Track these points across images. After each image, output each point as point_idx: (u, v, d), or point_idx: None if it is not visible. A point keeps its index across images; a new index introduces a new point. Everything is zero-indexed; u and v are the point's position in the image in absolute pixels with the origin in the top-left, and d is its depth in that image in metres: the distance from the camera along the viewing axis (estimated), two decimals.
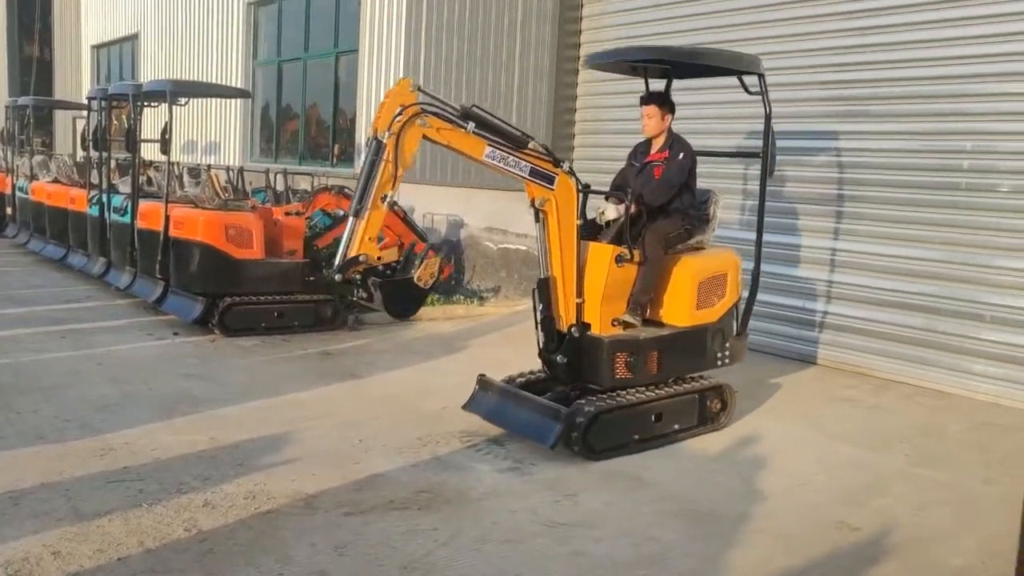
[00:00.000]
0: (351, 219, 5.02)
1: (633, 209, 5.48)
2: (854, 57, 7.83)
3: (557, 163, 5.20)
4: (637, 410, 5.33)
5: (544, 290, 5.27)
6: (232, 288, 8.14)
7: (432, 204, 10.54)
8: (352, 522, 4.13)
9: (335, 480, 4.62)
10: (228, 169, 11.25)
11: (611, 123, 10.26)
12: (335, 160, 13.31)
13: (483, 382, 5.69)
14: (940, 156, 7.32)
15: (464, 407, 5.65)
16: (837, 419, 6.35)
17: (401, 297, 5.10)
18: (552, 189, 5.15)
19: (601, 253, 5.41)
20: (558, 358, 5.32)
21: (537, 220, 5.27)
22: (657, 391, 5.48)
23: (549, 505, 4.46)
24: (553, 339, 5.32)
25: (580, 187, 5.37)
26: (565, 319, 5.30)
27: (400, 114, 4.85)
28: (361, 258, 4.96)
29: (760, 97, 5.88)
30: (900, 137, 7.56)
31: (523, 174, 5.10)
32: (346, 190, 10.30)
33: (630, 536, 4.15)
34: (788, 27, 8.29)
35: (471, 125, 4.95)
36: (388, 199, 4.95)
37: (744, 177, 8.72)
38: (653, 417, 5.43)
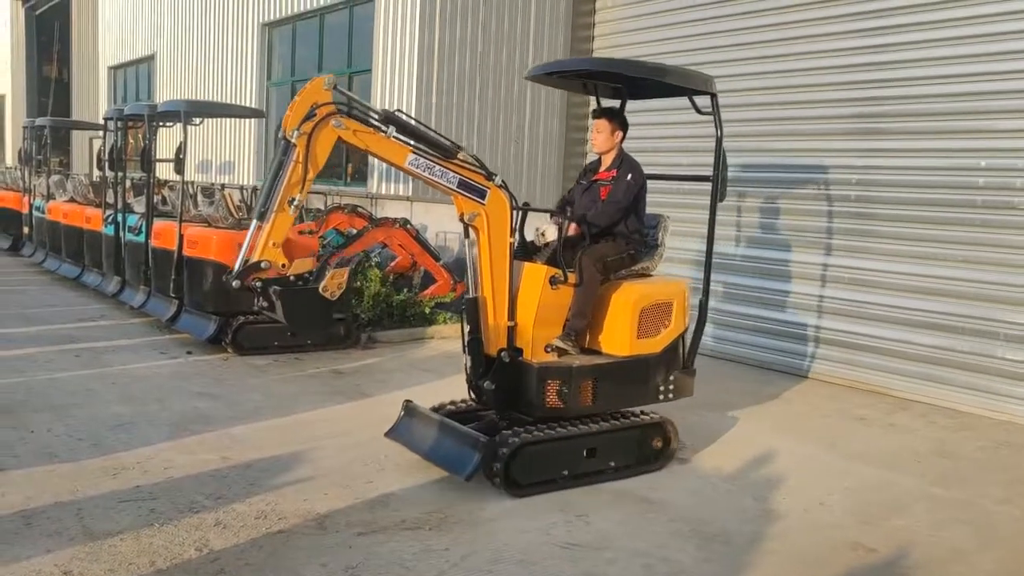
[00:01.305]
0: (254, 223, 4.81)
1: (574, 230, 5.24)
2: (867, 75, 7.83)
3: (489, 176, 4.93)
4: (567, 444, 4.97)
5: (472, 311, 5.01)
6: (245, 307, 8.14)
7: (445, 223, 10.55)
8: (364, 542, 4.11)
9: (347, 500, 4.61)
10: (242, 188, 11.32)
11: (641, 140, 10.25)
12: (348, 179, 13.37)
13: (409, 408, 5.41)
14: (955, 173, 7.30)
15: (386, 434, 5.39)
16: (852, 438, 6.30)
17: (304, 309, 4.76)
18: (483, 204, 4.89)
19: (535, 274, 5.11)
20: (485, 384, 5.01)
21: (467, 236, 5.04)
22: (592, 424, 5.12)
23: (561, 526, 4.43)
24: (481, 363, 5.05)
25: (515, 203, 5.05)
26: (495, 342, 5.00)
27: (312, 114, 4.65)
28: (264, 264, 4.73)
29: (712, 118, 5.50)
30: (915, 155, 7.54)
31: (451, 186, 4.84)
32: (359, 209, 10.37)
33: (643, 557, 4.11)
34: (803, 45, 8.30)
35: (391, 129, 4.68)
36: (296, 203, 4.73)
37: (738, 208, 8.72)
38: (585, 452, 5.05)
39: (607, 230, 5.37)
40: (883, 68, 7.72)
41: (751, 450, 5.83)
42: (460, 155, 4.88)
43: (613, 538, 4.32)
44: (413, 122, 4.96)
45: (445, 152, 4.85)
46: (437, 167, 4.81)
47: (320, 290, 5.07)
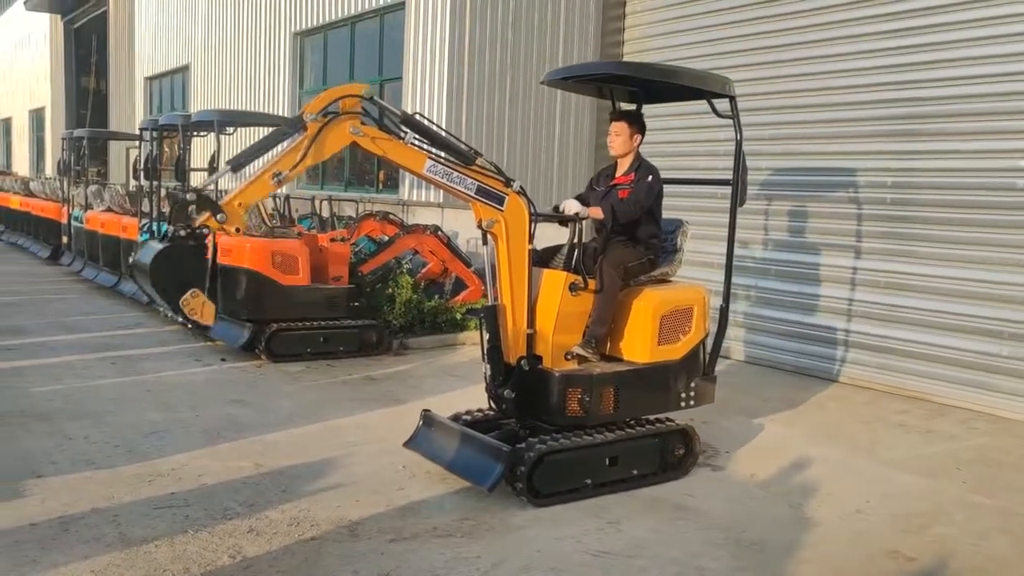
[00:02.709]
0: (224, 169, 4.73)
1: (597, 213, 5.21)
2: (902, 76, 7.70)
3: (508, 182, 4.86)
4: (589, 452, 4.89)
5: (492, 319, 4.96)
6: (278, 314, 8.22)
7: (475, 229, 10.52)
8: (396, 549, 4.11)
9: (379, 506, 4.62)
10: (275, 197, 11.42)
11: (660, 145, 10.21)
12: (380, 186, 13.45)
13: (427, 418, 5.34)
14: (994, 174, 7.15)
15: (405, 444, 5.33)
16: (890, 444, 6.19)
17: (172, 276, 4.58)
18: (502, 210, 4.83)
19: (554, 281, 5.05)
20: (505, 392, 4.97)
21: (484, 243, 4.96)
22: (613, 432, 5.06)
23: (593, 533, 4.40)
24: (501, 372, 5.00)
25: (534, 210, 4.96)
26: (514, 351, 4.96)
27: (335, 111, 4.59)
28: (220, 217, 4.56)
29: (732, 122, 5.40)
30: (952, 156, 7.40)
31: (469, 192, 4.78)
32: (391, 216, 10.42)
33: (676, 565, 4.07)
34: (836, 46, 8.19)
35: (409, 135, 4.63)
36: (281, 179, 4.60)
37: (772, 212, 8.63)
38: (608, 461, 4.98)
39: (625, 227, 5.32)
40: (919, 68, 7.59)
41: (786, 456, 5.75)
42: (478, 161, 4.83)
43: (646, 546, 4.27)
44: (433, 127, 4.92)
45: (463, 158, 4.81)
46: (455, 173, 4.77)
47: (181, 303, 4.81)
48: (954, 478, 5.51)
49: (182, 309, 4.48)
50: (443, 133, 4.96)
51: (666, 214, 5.61)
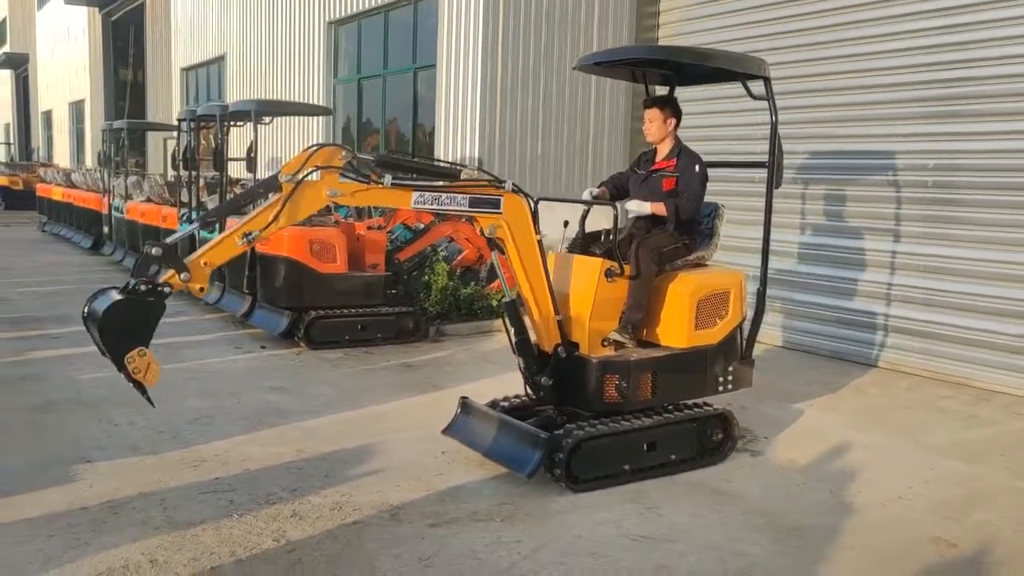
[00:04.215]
0: (195, 224, 4.75)
1: (660, 209, 5.26)
2: (945, 56, 7.57)
3: (499, 184, 4.77)
4: (627, 438, 4.90)
5: (513, 313, 4.98)
6: (317, 302, 8.30)
7: None
8: (436, 533, 4.15)
9: (419, 492, 4.67)
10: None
11: (694, 130, 10.14)
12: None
13: (465, 405, 5.39)
14: None
15: (444, 432, 5.38)
16: (932, 430, 6.13)
17: (123, 327, 4.32)
18: (500, 213, 4.76)
19: (589, 267, 5.07)
20: (543, 380, 5.00)
21: (492, 248, 4.96)
22: (651, 418, 5.07)
23: (633, 518, 4.41)
24: (534, 361, 5.05)
25: (531, 201, 4.89)
26: (547, 339, 4.99)
27: (313, 174, 4.40)
28: (183, 276, 4.29)
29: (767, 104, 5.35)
30: (996, 137, 7.27)
31: (464, 207, 4.72)
32: None
33: (716, 550, 4.07)
34: (875, 27, 8.07)
35: (387, 178, 4.49)
36: (250, 239, 4.39)
37: (811, 196, 8.53)
38: (646, 446, 4.99)
39: (660, 219, 5.34)
40: (960, 48, 7.46)
41: (827, 442, 5.72)
42: (463, 173, 4.75)
43: (685, 530, 4.28)
44: (408, 158, 4.86)
45: (447, 176, 4.74)
46: (443, 196, 4.67)
47: (126, 360, 4.27)
48: (997, 464, 5.44)
49: (125, 366, 4.21)
50: (420, 160, 4.92)
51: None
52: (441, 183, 4.68)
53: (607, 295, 5.05)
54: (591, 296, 5.02)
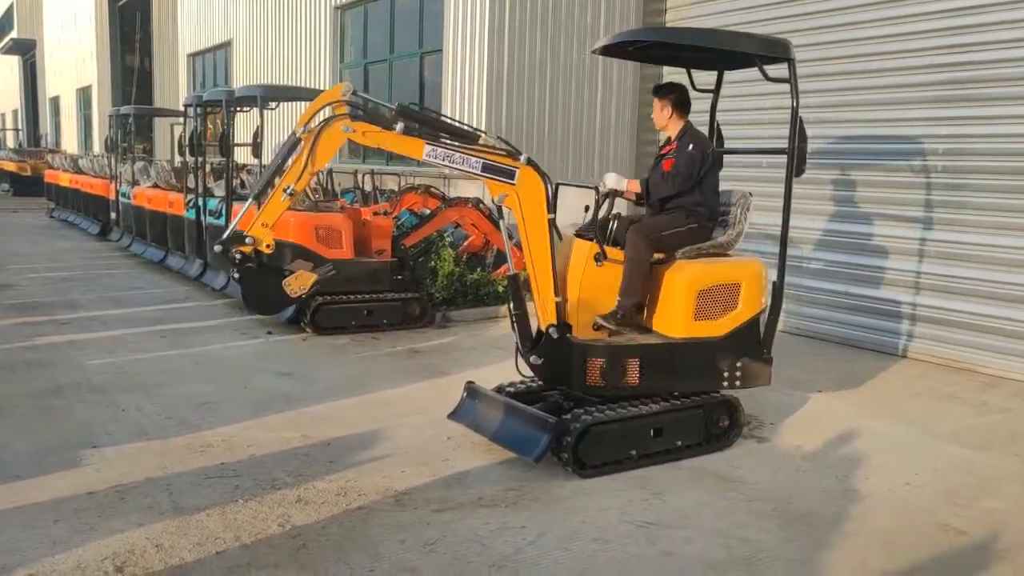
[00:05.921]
0: (250, 201, 5.05)
1: (634, 186, 5.27)
2: (957, 39, 7.48)
3: (516, 155, 4.82)
4: (634, 424, 4.88)
5: (515, 289, 5.00)
6: (323, 287, 8.27)
7: None
8: (441, 519, 4.15)
9: (424, 477, 4.66)
10: (318, 171, 11.47)
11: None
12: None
13: (471, 390, 5.38)
14: None
15: (450, 416, 5.37)
16: (941, 417, 6.10)
17: (264, 290, 4.80)
18: (513, 184, 4.79)
19: (583, 251, 5.07)
20: (532, 358, 5.03)
21: (501, 217, 5.00)
22: (657, 404, 5.03)
23: (638, 504, 4.40)
24: (529, 338, 5.06)
25: (549, 181, 4.91)
26: (543, 319, 4.98)
27: (326, 115, 4.79)
28: (248, 239, 4.94)
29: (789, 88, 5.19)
30: (1009, 121, 7.18)
31: (475, 171, 4.78)
32: (432, 189, 10.42)
33: (721, 537, 4.06)
34: (885, 10, 7.97)
35: (399, 126, 4.68)
36: (291, 191, 4.92)
37: (824, 181, 8.46)
38: (652, 432, 4.96)
39: (667, 201, 5.30)
40: (970, 31, 7.37)
41: (834, 428, 5.69)
42: (482, 139, 4.81)
43: (691, 516, 4.27)
44: (431, 113, 4.98)
45: (464, 138, 4.82)
46: (457, 154, 4.77)
47: (283, 284, 5.21)
48: (1006, 451, 5.41)
49: (285, 289, 5.18)
50: (441, 118, 5.01)
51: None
52: (457, 143, 4.78)
53: (595, 279, 5.05)
54: (579, 279, 5.06)
